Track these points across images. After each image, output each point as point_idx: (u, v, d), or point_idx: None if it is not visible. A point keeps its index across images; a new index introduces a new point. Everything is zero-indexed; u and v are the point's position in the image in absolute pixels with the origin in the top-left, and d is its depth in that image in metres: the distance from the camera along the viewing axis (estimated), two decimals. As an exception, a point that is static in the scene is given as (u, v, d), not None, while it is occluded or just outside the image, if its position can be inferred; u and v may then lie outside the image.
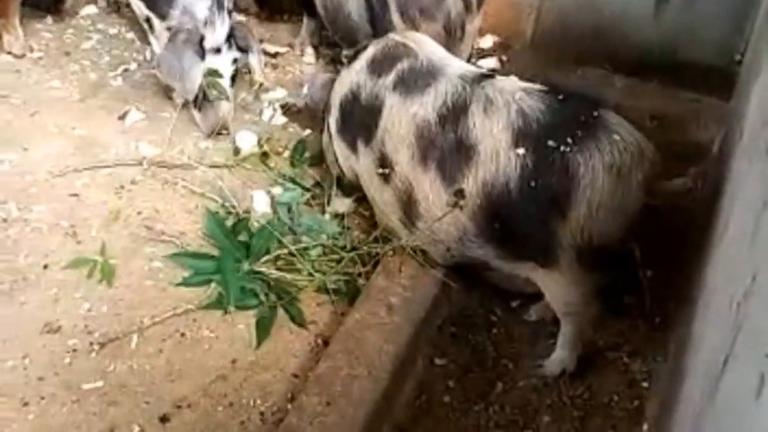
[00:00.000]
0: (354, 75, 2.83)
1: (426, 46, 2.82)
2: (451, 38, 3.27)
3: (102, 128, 3.42)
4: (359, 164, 2.83)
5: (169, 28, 3.37)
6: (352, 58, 2.92)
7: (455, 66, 2.72)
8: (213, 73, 3.40)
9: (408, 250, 2.79)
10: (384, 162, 2.69)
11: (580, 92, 2.61)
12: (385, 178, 2.70)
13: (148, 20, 3.49)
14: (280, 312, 2.78)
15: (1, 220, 2.95)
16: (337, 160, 3.03)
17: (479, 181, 2.47)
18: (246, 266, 2.83)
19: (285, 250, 2.90)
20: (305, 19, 4.00)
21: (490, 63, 3.98)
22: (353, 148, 2.84)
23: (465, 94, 2.56)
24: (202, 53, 3.34)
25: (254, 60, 3.56)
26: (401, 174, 2.64)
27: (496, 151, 2.45)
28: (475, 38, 3.55)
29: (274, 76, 3.89)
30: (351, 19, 3.44)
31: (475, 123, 2.50)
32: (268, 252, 2.88)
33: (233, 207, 3.08)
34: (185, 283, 2.82)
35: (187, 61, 3.29)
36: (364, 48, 2.91)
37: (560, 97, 2.49)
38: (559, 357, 2.72)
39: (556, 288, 2.58)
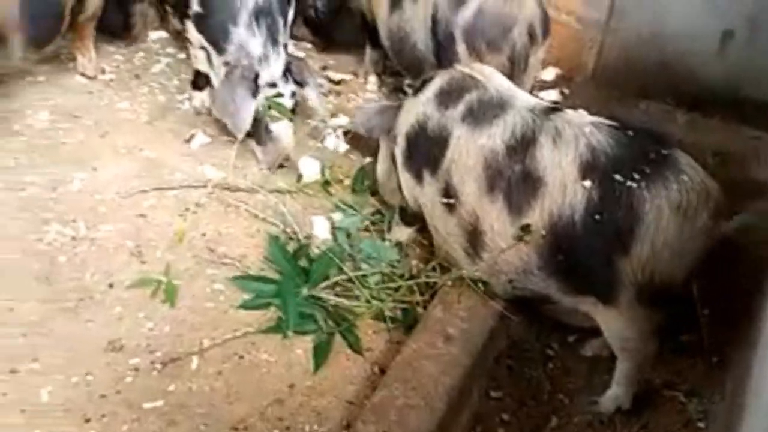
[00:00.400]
0: (421, 106, 2.86)
1: (493, 78, 2.85)
2: (515, 69, 3.29)
3: (169, 150, 3.50)
4: (424, 194, 2.86)
5: (226, 63, 3.42)
6: (418, 89, 2.96)
7: (523, 98, 2.75)
8: (276, 95, 3.44)
9: (467, 281, 2.80)
10: (449, 192, 2.72)
11: (648, 129, 2.61)
12: (450, 208, 2.73)
13: (206, 53, 3.54)
14: (338, 338, 2.81)
15: (70, 238, 3.03)
16: (400, 189, 3.05)
17: (545, 213, 2.49)
18: (305, 291, 2.87)
19: (344, 277, 2.94)
20: (368, 49, 4.04)
21: (552, 95, 3.99)
22: (419, 178, 2.86)
23: (534, 125, 2.59)
24: (255, 90, 3.37)
25: (312, 93, 3.57)
26: (467, 204, 2.67)
27: (563, 183, 2.47)
28: (538, 70, 3.56)
29: (337, 103, 3.94)
30: (417, 49, 3.48)
31: (543, 154, 2.52)
32: (327, 278, 2.92)
33: (294, 232, 3.12)
34: (245, 305, 2.87)
35: (240, 98, 3.33)
36: (431, 79, 2.94)
37: (629, 132, 2.51)
38: (615, 394, 2.71)
39: (615, 324, 2.57)
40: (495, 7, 3.26)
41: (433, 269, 2.97)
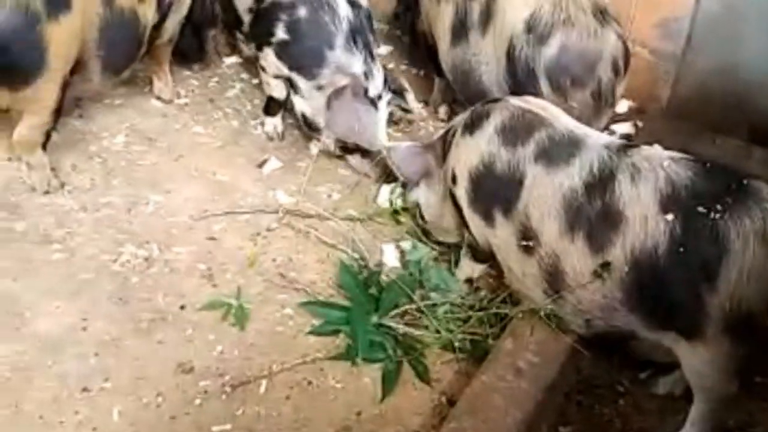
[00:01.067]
0: (484, 145, 2.83)
1: (556, 114, 2.85)
2: (600, 105, 3.26)
3: (241, 174, 3.54)
4: (496, 235, 2.83)
5: (319, 87, 3.46)
6: (470, 126, 2.92)
7: (595, 136, 2.74)
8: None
9: (539, 315, 2.77)
10: (527, 234, 2.69)
11: (725, 163, 2.60)
12: (528, 250, 2.70)
13: (291, 82, 3.58)
14: (406, 367, 2.80)
15: (143, 259, 3.08)
16: (461, 227, 3.04)
17: (627, 248, 2.48)
18: (375, 319, 2.87)
19: (413, 306, 2.93)
20: (436, 78, 4.04)
21: (625, 128, 3.94)
22: (489, 219, 2.84)
23: (611, 162, 2.58)
24: (373, 102, 3.43)
25: (410, 97, 3.66)
26: (547, 246, 2.64)
27: (644, 218, 2.45)
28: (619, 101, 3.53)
29: (409, 132, 3.94)
30: (482, 83, 3.44)
31: (622, 190, 2.51)
32: (396, 306, 2.92)
33: (363, 259, 3.13)
34: (315, 331, 2.88)
35: (364, 114, 3.39)
36: (483, 114, 2.91)
37: (707, 165, 2.49)
38: None
39: (697, 360, 2.52)
40: (579, 43, 3.20)
41: (503, 301, 2.95)
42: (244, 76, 4.15)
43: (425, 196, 3.20)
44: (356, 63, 3.44)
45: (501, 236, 2.81)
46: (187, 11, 3.78)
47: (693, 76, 3.99)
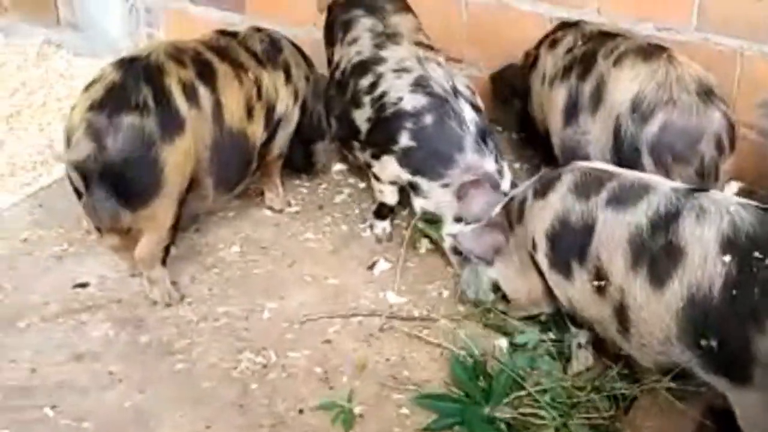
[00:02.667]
0: (558, 204, 2.90)
1: (623, 170, 2.93)
2: (702, 181, 3.25)
3: (352, 277, 3.62)
4: (574, 286, 2.87)
5: (445, 185, 3.51)
6: (542, 190, 2.99)
7: (665, 181, 2.81)
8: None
9: (661, 392, 2.74)
10: (600, 275, 2.75)
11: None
12: (601, 290, 2.75)
13: (411, 185, 3.63)
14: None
15: (261, 366, 3.16)
16: (547, 296, 3.08)
17: (684, 284, 2.52)
18: (487, 410, 2.88)
19: (524, 392, 2.93)
20: (543, 168, 4.07)
21: (734, 209, 3.89)
22: (568, 273, 2.88)
23: (678, 203, 2.64)
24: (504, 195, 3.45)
25: None
26: (615, 283, 2.70)
27: (703, 257, 2.50)
28: (726, 182, 3.49)
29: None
30: (589, 159, 3.47)
31: (686, 228, 2.57)
32: (507, 395, 2.92)
33: (472, 354, 3.13)
34: (429, 427, 2.89)
35: (495, 203, 3.38)
36: (552, 180, 2.98)
37: None
38: None
39: (746, 407, 2.52)
40: (682, 120, 3.26)
41: (614, 379, 2.93)
42: (351, 181, 4.28)
43: (503, 273, 3.23)
44: (488, 162, 3.50)
45: (578, 285, 2.86)
46: (296, 126, 3.94)
47: (803, 153, 3.92)
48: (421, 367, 3.16)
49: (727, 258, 2.47)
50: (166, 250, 3.45)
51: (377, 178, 3.77)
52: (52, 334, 3.31)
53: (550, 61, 3.79)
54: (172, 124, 3.25)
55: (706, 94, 3.30)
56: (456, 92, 3.59)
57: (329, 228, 3.93)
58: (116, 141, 3.15)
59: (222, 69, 3.52)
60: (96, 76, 3.32)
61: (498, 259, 3.23)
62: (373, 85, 3.71)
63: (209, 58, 3.52)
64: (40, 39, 5.47)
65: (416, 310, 3.42)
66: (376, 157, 3.70)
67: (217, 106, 3.43)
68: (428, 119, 3.53)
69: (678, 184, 2.82)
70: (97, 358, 3.21)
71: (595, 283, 2.76)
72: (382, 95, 3.66)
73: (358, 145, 3.85)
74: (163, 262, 3.46)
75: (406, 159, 3.57)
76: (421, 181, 3.57)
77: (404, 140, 3.56)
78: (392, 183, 3.73)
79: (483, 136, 3.52)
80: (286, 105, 3.82)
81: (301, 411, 2.97)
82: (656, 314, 2.60)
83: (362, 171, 4.08)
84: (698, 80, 3.32)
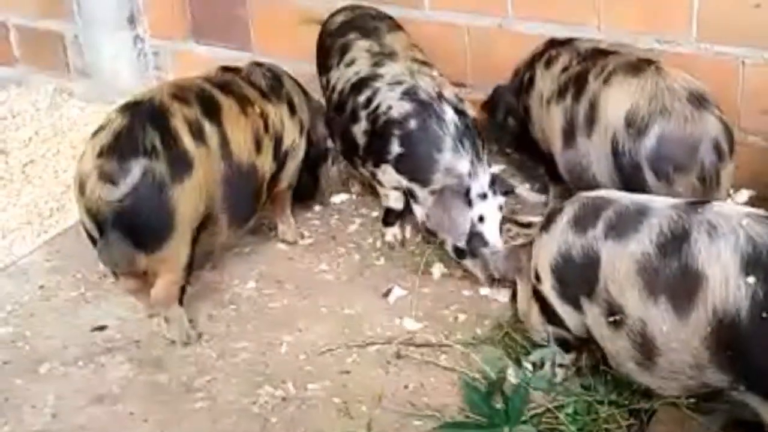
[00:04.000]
0: (559, 237, 2.88)
1: (622, 193, 2.92)
2: (706, 188, 3.26)
3: (368, 306, 3.63)
4: (589, 320, 2.84)
5: (433, 192, 3.62)
6: (546, 224, 2.98)
7: (662, 200, 2.76)
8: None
9: (682, 407, 2.73)
10: (612, 310, 2.69)
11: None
12: (617, 324, 2.69)
13: (410, 192, 3.75)
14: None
15: (281, 399, 3.17)
16: (554, 324, 3.03)
17: (709, 308, 2.45)
18: (506, 431, 2.87)
19: (542, 409, 2.94)
20: (551, 185, 4.08)
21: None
22: (578, 307, 2.85)
23: (682, 221, 2.57)
24: (469, 202, 3.56)
25: (524, 191, 3.82)
26: (632, 316, 2.63)
27: (725, 279, 2.43)
28: (729, 186, 3.48)
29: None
30: (597, 181, 3.48)
31: (701, 249, 2.49)
32: (525, 414, 2.92)
33: (487, 377, 3.13)
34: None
35: (455, 210, 3.52)
36: (556, 211, 2.98)
37: None
38: None
39: None
40: (677, 130, 3.26)
41: (633, 393, 2.92)
42: (363, 211, 4.30)
43: (519, 294, 3.24)
44: (463, 163, 3.60)
45: (591, 320, 2.82)
46: (303, 154, 3.98)
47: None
48: (440, 393, 3.16)
49: (751, 279, 2.40)
50: (182, 289, 3.48)
51: (381, 184, 3.88)
52: (73, 378, 3.34)
53: (547, 82, 3.80)
54: (181, 165, 3.28)
55: (698, 100, 3.29)
56: (441, 97, 3.72)
57: (343, 258, 3.95)
58: (128, 186, 3.18)
59: (227, 104, 3.55)
60: (102, 122, 3.37)
61: (518, 278, 3.24)
62: (369, 100, 3.84)
63: (214, 94, 3.56)
64: (52, 87, 5.56)
65: (433, 336, 3.41)
66: (377, 165, 3.83)
67: (224, 141, 3.46)
68: (413, 124, 3.67)
69: (675, 200, 2.76)
70: (117, 399, 3.23)
71: (610, 318, 2.71)
72: (377, 108, 3.79)
73: (359, 161, 3.96)
74: (180, 302, 3.48)
75: (400, 165, 3.72)
76: (416, 188, 3.70)
77: (395, 147, 3.70)
78: (396, 188, 3.83)
79: (462, 137, 3.63)
80: (293, 137, 3.86)
81: (321, 442, 2.98)
82: (685, 341, 2.53)
83: (372, 200, 4.12)
84: (689, 88, 3.31)
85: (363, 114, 3.85)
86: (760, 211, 2.58)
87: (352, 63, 4.02)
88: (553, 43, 3.90)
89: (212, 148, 3.42)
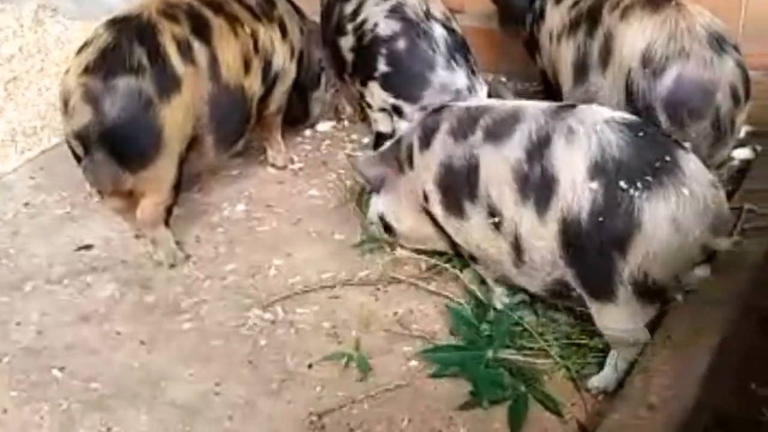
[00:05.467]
0: (440, 150, 3.00)
1: (498, 100, 3.08)
2: (720, 134, 3.21)
3: (357, 232, 3.59)
4: (471, 225, 2.95)
5: (423, 108, 3.57)
6: (425, 139, 3.06)
7: (534, 104, 2.89)
8: None
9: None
10: (492, 212, 2.84)
11: (660, 131, 2.89)
12: (497, 226, 2.84)
13: (395, 109, 3.72)
14: (534, 402, 2.78)
15: (270, 322, 3.15)
16: (450, 241, 3.15)
17: (559, 209, 2.64)
18: (490, 354, 2.89)
19: (528, 336, 2.99)
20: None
21: (745, 153, 3.84)
22: (462, 215, 2.96)
23: (547, 126, 2.73)
24: None
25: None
26: (508, 217, 2.79)
27: (573, 182, 2.62)
28: (740, 132, 3.44)
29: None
30: None
31: (558, 153, 2.67)
32: (511, 338, 2.97)
33: (474, 302, 3.14)
34: (435, 375, 2.90)
35: None
36: (432, 123, 3.06)
37: (641, 134, 2.63)
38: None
39: (611, 321, 2.73)
40: (695, 73, 3.17)
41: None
42: (354, 137, 4.26)
43: (388, 206, 3.31)
44: (459, 79, 3.62)
45: (474, 224, 2.93)
46: (294, 79, 3.91)
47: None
48: (429, 319, 3.15)
49: (594, 185, 2.58)
50: (169, 210, 3.43)
51: (369, 106, 3.85)
52: (58, 297, 3.30)
53: (557, 17, 3.68)
54: (168, 83, 3.21)
55: (719, 43, 3.19)
56: (428, 15, 3.70)
57: (333, 184, 3.91)
58: (113, 104, 3.12)
59: (217, 23, 3.46)
60: (88, 38, 3.28)
61: (384, 191, 3.29)
62: (356, 13, 3.83)
63: (204, 13, 3.46)
64: (35, 4, 5.42)
65: (423, 261, 3.39)
66: (363, 84, 3.81)
67: (213, 61, 3.38)
68: (401, 43, 3.67)
69: (546, 104, 2.88)
70: (103, 318, 3.20)
71: (490, 220, 2.85)
72: (363, 23, 3.78)
73: (348, 79, 3.95)
74: (166, 223, 3.44)
75: (386, 84, 3.70)
76: (404, 105, 3.68)
77: (382, 66, 3.69)
78: (382, 110, 3.78)
79: (453, 53, 3.64)
80: (283, 60, 3.78)
81: (310, 365, 2.96)
82: (544, 239, 2.72)
83: (363, 126, 4.08)
84: (710, 29, 3.21)
85: (350, 27, 3.84)
86: (623, 116, 2.74)
87: None
88: None
89: (201, 67, 3.35)
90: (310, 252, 3.50)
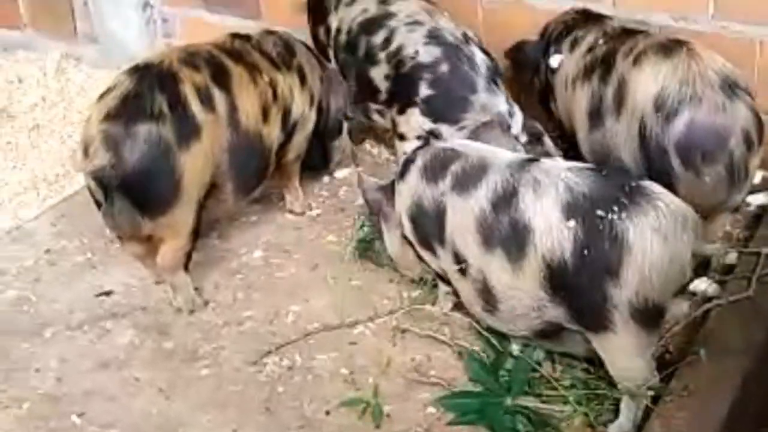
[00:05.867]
0: (413, 187, 3.11)
1: (473, 145, 3.17)
2: (734, 179, 3.20)
3: (375, 278, 3.61)
4: (443, 262, 3.07)
5: (462, 128, 3.68)
6: (402, 172, 3.19)
7: (503, 156, 2.99)
8: None
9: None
10: (458, 259, 2.95)
11: (619, 167, 3.13)
12: (463, 272, 2.95)
13: (431, 133, 3.78)
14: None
15: (287, 368, 3.16)
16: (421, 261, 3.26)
17: (539, 255, 2.71)
18: (509, 402, 2.89)
19: (545, 383, 2.98)
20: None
21: (760, 198, 3.83)
22: (434, 252, 3.10)
23: (513, 179, 2.82)
24: (516, 138, 3.66)
25: (548, 141, 3.80)
26: (474, 266, 2.88)
27: (549, 227, 2.69)
28: (755, 176, 3.43)
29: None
30: (622, 162, 3.42)
31: (527, 204, 2.76)
32: (529, 385, 2.96)
33: (494, 347, 3.12)
34: (453, 423, 2.88)
35: (509, 146, 3.49)
36: (410, 159, 3.19)
37: (603, 172, 2.76)
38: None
39: (611, 350, 2.75)
40: (708, 118, 3.16)
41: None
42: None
43: (384, 235, 3.41)
44: (500, 102, 3.70)
45: (444, 265, 3.05)
46: (313, 127, 3.94)
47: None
48: (446, 366, 3.14)
49: (572, 223, 2.65)
50: (188, 256, 3.46)
51: (402, 137, 3.89)
52: (78, 343, 3.33)
53: (572, 62, 3.72)
54: (188, 131, 3.25)
55: (731, 88, 3.19)
56: (467, 38, 3.81)
57: (351, 230, 3.89)
58: (133, 150, 3.16)
59: (236, 71, 3.52)
60: (110, 85, 3.34)
61: (381, 219, 3.38)
62: (387, 41, 3.88)
63: (223, 61, 3.52)
64: (59, 53, 5.51)
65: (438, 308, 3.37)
66: (401, 112, 3.86)
67: (233, 108, 3.43)
68: (444, 67, 3.74)
69: (512, 156, 2.98)
70: (123, 365, 3.22)
71: (455, 267, 2.94)
72: (398, 50, 3.84)
73: (379, 107, 4.00)
74: (186, 269, 3.46)
75: (427, 108, 3.76)
76: (442, 128, 3.73)
77: (424, 90, 3.76)
78: (417, 138, 3.81)
79: (493, 77, 3.74)
80: (302, 108, 3.81)
81: (327, 412, 2.96)
82: (522, 288, 2.79)
83: (382, 172, 4.09)
84: (722, 74, 3.21)
85: (382, 56, 3.90)
86: (581, 164, 2.88)
87: (353, 1, 4.06)
88: (583, 17, 3.83)
89: (220, 115, 3.39)
90: (327, 298, 3.51)
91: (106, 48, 5.42)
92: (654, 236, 2.58)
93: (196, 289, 3.50)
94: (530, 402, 2.90)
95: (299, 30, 4.46)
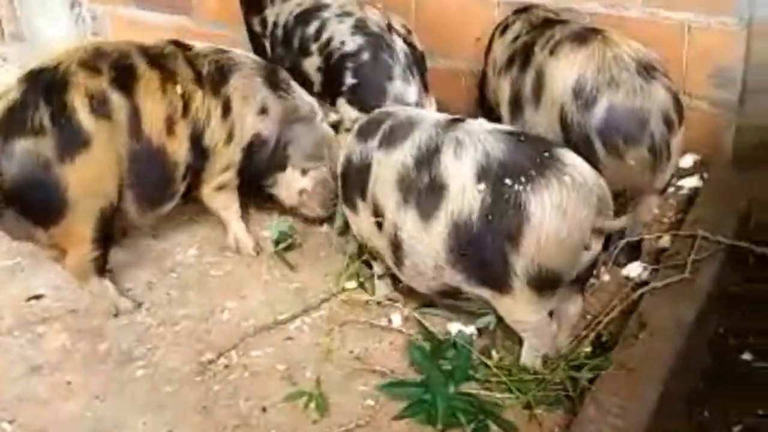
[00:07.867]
0: (347, 146, 3.23)
1: (408, 108, 3.35)
2: (657, 160, 3.23)
3: (312, 273, 3.59)
4: (361, 220, 3.14)
5: None
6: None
7: (433, 116, 3.09)
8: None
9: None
10: (377, 211, 3.03)
11: (538, 135, 3.09)
12: (380, 225, 3.03)
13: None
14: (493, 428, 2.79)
15: (223, 366, 3.12)
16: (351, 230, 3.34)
17: (449, 214, 2.79)
18: (452, 389, 2.89)
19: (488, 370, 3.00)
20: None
21: (692, 182, 3.89)
22: (355, 209, 3.18)
23: (437, 138, 2.89)
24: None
25: None
26: (389, 219, 2.97)
27: (462, 187, 2.76)
28: (679, 156, 3.46)
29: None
30: None
31: (446, 163, 2.83)
32: (470, 373, 2.97)
33: (432, 338, 3.14)
34: (399, 416, 2.87)
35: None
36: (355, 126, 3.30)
37: (522, 138, 2.82)
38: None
39: (511, 312, 2.88)
40: (626, 102, 3.19)
41: (574, 360, 2.96)
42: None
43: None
44: (411, 93, 3.78)
45: (363, 218, 3.12)
46: (245, 161, 3.65)
47: (754, 122, 3.93)
48: (385, 357, 3.13)
49: (482, 186, 2.74)
50: (97, 261, 3.33)
51: (335, 128, 3.87)
52: (9, 348, 3.25)
53: (499, 49, 3.76)
54: (72, 143, 3.14)
55: (647, 71, 3.23)
56: (390, 28, 3.87)
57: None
58: (11, 166, 3.09)
59: (147, 75, 3.34)
60: (2, 92, 3.22)
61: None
62: (319, 32, 3.94)
63: (134, 63, 3.35)
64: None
65: (373, 303, 3.38)
66: (333, 103, 3.92)
67: (134, 114, 3.28)
68: (365, 56, 3.82)
69: (440, 116, 3.04)
70: (55, 369, 3.15)
71: (373, 219, 3.03)
72: (328, 41, 3.90)
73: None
74: (100, 273, 3.36)
75: (352, 97, 3.84)
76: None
77: (348, 79, 3.84)
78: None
79: (410, 66, 3.81)
80: (218, 139, 3.53)
81: (264, 409, 2.93)
82: (427, 245, 2.87)
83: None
84: (637, 58, 3.25)
85: (314, 47, 3.95)
86: (505, 127, 2.99)
87: None
88: (517, 11, 3.85)
89: (118, 121, 3.24)
90: (263, 294, 3.47)
91: (33, 47, 5.32)
92: (553, 210, 2.66)
93: (128, 290, 3.45)
94: (473, 389, 2.92)
95: (232, 24, 4.43)
